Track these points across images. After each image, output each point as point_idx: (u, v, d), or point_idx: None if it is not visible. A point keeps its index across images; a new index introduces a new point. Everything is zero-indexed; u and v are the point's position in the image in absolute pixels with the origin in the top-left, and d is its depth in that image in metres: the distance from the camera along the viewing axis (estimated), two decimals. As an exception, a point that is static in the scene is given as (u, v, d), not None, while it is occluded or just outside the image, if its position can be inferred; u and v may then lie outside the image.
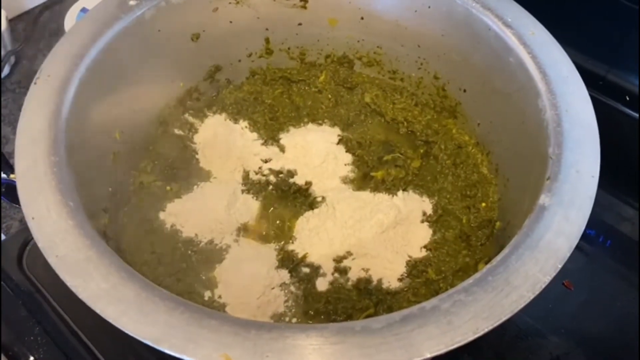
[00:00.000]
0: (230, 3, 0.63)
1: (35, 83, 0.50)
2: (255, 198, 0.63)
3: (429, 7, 0.62)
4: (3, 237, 0.66)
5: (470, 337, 0.37)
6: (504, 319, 0.38)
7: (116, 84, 0.57)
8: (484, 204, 0.61)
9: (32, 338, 0.59)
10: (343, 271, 0.57)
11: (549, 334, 0.60)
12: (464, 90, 0.65)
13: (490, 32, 0.57)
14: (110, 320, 0.37)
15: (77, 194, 0.45)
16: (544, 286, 0.39)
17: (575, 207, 0.43)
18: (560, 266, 0.40)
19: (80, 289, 0.38)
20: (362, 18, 0.67)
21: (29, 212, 0.42)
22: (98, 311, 0.38)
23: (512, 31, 0.56)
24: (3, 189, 0.65)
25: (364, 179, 0.64)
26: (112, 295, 0.38)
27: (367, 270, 0.56)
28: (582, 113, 0.49)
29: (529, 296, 0.39)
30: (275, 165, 0.65)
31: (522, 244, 0.42)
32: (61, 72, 0.51)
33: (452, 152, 0.65)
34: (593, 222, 0.44)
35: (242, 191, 0.63)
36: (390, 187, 0.63)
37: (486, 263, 0.55)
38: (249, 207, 0.62)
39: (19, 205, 0.68)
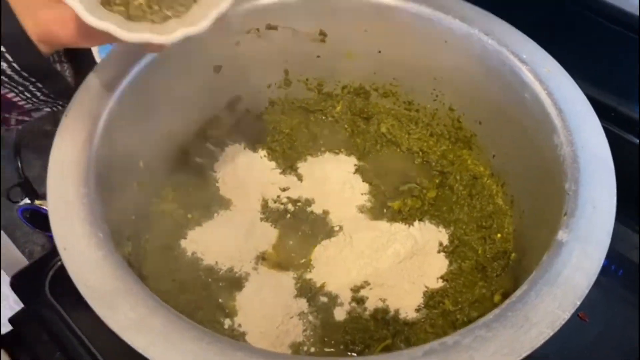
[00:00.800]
0: (252, 37, 0.65)
1: (66, 115, 0.51)
2: (273, 226, 0.64)
3: (445, 41, 0.63)
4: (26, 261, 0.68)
5: (491, 373, 0.37)
6: (524, 354, 0.38)
7: (141, 115, 0.58)
8: (499, 235, 0.61)
9: (52, 365, 0.60)
10: (360, 301, 0.58)
11: None
12: (480, 123, 0.66)
13: (505, 67, 0.59)
14: (139, 350, 0.38)
15: (105, 224, 0.46)
16: (563, 322, 0.40)
17: (593, 243, 0.44)
18: (579, 303, 0.41)
19: (109, 319, 0.39)
20: (379, 51, 0.69)
21: (61, 243, 0.43)
22: (127, 340, 0.39)
23: (528, 67, 0.57)
24: (27, 215, 0.67)
25: (381, 208, 0.65)
26: (140, 325, 0.39)
27: (384, 300, 0.57)
28: (597, 150, 0.50)
29: (549, 332, 0.39)
30: (294, 193, 0.67)
31: (540, 280, 0.42)
32: (91, 105, 0.52)
33: (467, 183, 0.66)
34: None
35: (261, 219, 0.64)
36: (406, 217, 0.64)
37: (502, 295, 0.57)
38: (268, 235, 0.63)
39: (42, 230, 0.70)
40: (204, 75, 0.65)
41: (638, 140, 0.76)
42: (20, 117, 0.51)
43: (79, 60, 0.53)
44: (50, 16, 0.44)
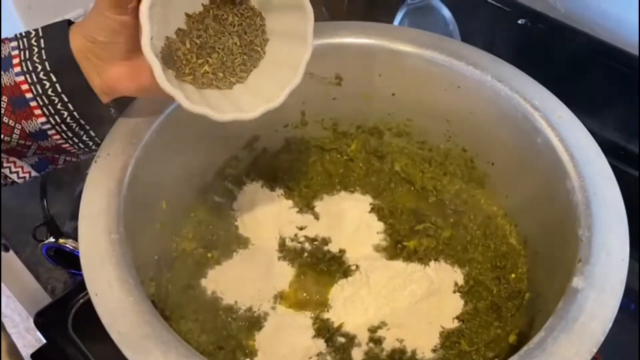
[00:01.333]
0: (271, 81, 0.68)
1: (95, 162, 0.53)
2: (291, 265, 0.65)
3: (458, 87, 0.65)
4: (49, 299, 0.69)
5: (512, 421, 0.38)
6: (543, 402, 0.39)
7: (165, 159, 0.60)
8: (513, 275, 0.63)
9: (74, 403, 0.61)
10: (378, 341, 0.59)
11: None
12: (492, 164, 0.68)
13: (518, 113, 0.61)
14: (171, 397, 0.39)
15: (134, 269, 0.48)
16: (580, 369, 0.41)
17: (608, 290, 0.45)
18: (595, 350, 0.42)
19: (141, 365, 0.41)
20: (393, 94, 0.71)
21: (93, 289, 0.45)
22: (158, 386, 0.40)
23: (539, 113, 0.59)
24: (52, 253, 0.69)
25: (396, 247, 0.67)
26: (171, 372, 0.41)
27: (401, 341, 0.58)
28: (609, 196, 0.52)
29: (567, 380, 0.40)
30: (310, 232, 0.68)
31: (557, 327, 0.44)
32: (119, 151, 0.54)
33: (481, 223, 0.67)
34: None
35: (279, 258, 0.66)
36: (422, 256, 0.65)
37: (517, 334, 0.58)
38: (285, 274, 0.65)
39: (64, 267, 0.72)
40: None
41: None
42: (68, 158, 0.53)
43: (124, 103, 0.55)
44: (116, 74, 0.47)
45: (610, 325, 0.44)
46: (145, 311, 0.44)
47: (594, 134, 0.57)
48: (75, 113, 0.47)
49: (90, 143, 0.51)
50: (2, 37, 0.47)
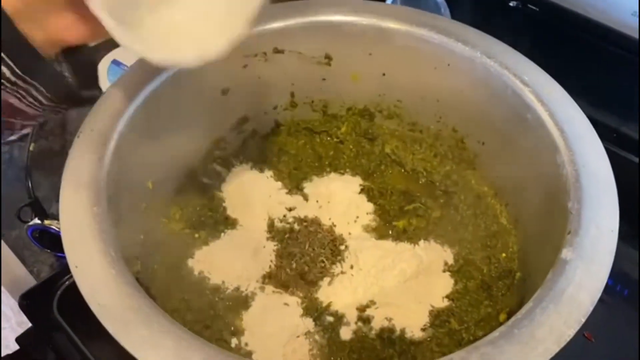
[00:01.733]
0: (259, 60, 0.67)
1: (78, 136, 0.53)
2: (279, 246, 0.64)
3: (448, 64, 0.65)
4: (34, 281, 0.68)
5: (498, 390, 0.38)
6: (530, 372, 0.39)
7: (151, 136, 0.60)
8: (504, 255, 0.62)
9: (59, 384, 0.60)
10: (366, 320, 0.58)
11: None
12: (483, 143, 0.67)
13: (508, 89, 0.60)
14: (151, 368, 0.39)
15: (117, 243, 0.47)
16: (568, 339, 0.40)
17: (597, 261, 0.45)
18: (583, 320, 0.41)
19: (122, 336, 0.40)
20: (383, 74, 0.70)
21: (73, 261, 0.44)
22: (139, 358, 0.39)
23: (530, 89, 0.58)
24: (37, 235, 0.68)
25: (386, 228, 0.66)
26: (152, 343, 0.40)
27: (390, 320, 0.58)
28: (599, 169, 0.51)
29: (554, 349, 0.40)
30: (299, 213, 0.67)
31: (545, 298, 0.43)
32: (102, 126, 0.54)
33: (471, 203, 0.67)
34: (610, 271, 0.45)
35: (267, 239, 0.65)
36: (412, 236, 0.64)
37: (507, 313, 0.57)
38: (274, 255, 0.64)
39: (51, 250, 0.71)
40: (211, 97, 0.66)
41: (639, 160, 0.77)
42: (25, 122, 0.51)
43: (77, 59, 0.52)
44: (61, 25, 0.45)
45: (599, 295, 0.43)
46: (127, 283, 0.43)
47: (589, 117, 0.56)
48: (16, 69, 0.44)
49: (42, 98, 0.48)
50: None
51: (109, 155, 0.52)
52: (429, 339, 0.56)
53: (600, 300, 0.59)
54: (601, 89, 0.81)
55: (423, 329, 0.57)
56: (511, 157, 0.63)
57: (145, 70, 0.60)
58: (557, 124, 0.55)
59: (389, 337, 0.56)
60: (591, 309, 0.42)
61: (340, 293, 0.60)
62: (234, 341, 0.56)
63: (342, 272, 0.62)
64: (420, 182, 0.71)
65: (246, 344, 0.56)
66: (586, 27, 0.80)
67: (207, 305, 0.58)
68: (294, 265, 0.62)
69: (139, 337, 0.40)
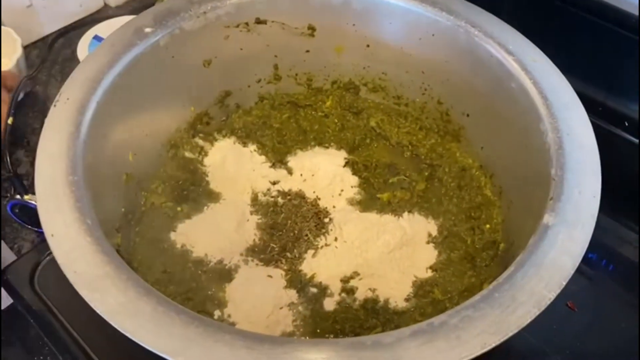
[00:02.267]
0: (241, 31, 0.66)
1: (55, 105, 0.51)
2: (263, 219, 0.64)
3: (433, 34, 0.64)
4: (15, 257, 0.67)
5: (478, 352, 0.38)
6: (510, 334, 0.39)
7: (131, 107, 0.59)
8: (488, 226, 0.62)
9: (41, 358, 0.59)
10: (350, 291, 0.58)
11: (553, 354, 0.60)
12: (467, 115, 0.67)
13: (492, 59, 0.59)
14: (128, 334, 0.38)
15: (94, 212, 0.46)
16: (549, 302, 0.40)
17: (579, 226, 0.45)
18: (564, 283, 0.41)
19: (98, 304, 0.39)
20: (367, 45, 0.69)
21: (49, 229, 0.43)
22: (116, 325, 0.38)
23: (514, 58, 0.58)
24: (17, 210, 0.66)
25: (370, 200, 0.66)
26: (129, 310, 0.39)
27: (374, 290, 0.57)
28: (582, 136, 0.51)
29: (535, 312, 0.40)
30: (283, 187, 0.67)
31: (527, 262, 0.43)
32: (79, 95, 0.52)
33: (456, 175, 0.66)
34: (594, 245, 0.45)
35: (251, 212, 0.64)
36: (396, 208, 0.64)
37: (491, 284, 0.57)
38: (258, 228, 0.63)
39: (31, 226, 0.70)
40: (193, 70, 0.65)
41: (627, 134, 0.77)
42: None
43: None
44: None
45: (580, 259, 0.43)
46: (104, 251, 0.43)
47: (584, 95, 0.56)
48: None
49: None
50: None
51: (86, 125, 0.51)
52: (412, 309, 0.56)
53: (585, 274, 0.60)
54: (587, 61, 0.80)
55: (406, 299, 0.57)
56: (496, 128, 0.62)
57: (124, 40, 0.58)
58: (541, 92, 0.55)
59: (373, 308, 0.56)
60: (572, 272, 0.42)
61: (324, 265, 0.60)
62: (216, 313, 0.55)
63: (326, 245, 0.61)
64: (405, 156, 0.70)
65: (229, 316, 0.55)
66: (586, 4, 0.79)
67: (189, 278, 0.58)
68: (277, 239, 0.62)
69: (116, 305, 0.39)
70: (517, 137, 0.58)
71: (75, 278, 0.41)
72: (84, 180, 0.48)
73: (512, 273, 0.42)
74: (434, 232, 0.62)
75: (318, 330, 0.55)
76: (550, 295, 0.40)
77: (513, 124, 0.59)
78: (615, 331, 0.63)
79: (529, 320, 0.39)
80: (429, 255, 0.61)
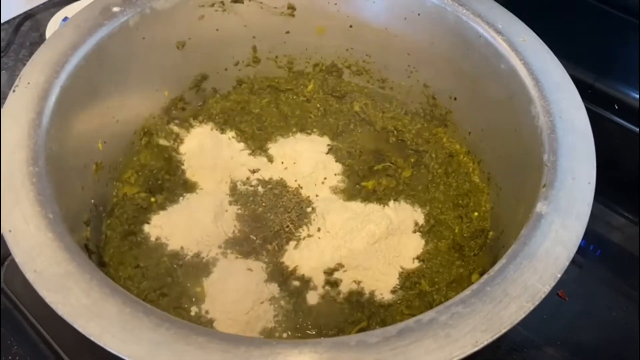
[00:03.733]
0: (216, 11, 0.62)
1: (14, 91, 0.48)
2: (243, 209, 0.61)
3: (419, 14, 0.61)
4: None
5: (470, 351, 0.35)
6: (503, 331, 0.36)
7: (99, 92, 0.55)
8: (476, 214, 0.60)
9: (9, 358, 0.56)
10: (334, 284, 0.55)
11: (544, 345, 0.59)
12: (455, 99, 0.64)
13: (480, 39, 0.57)
14: (92, 338, 0.35)
15: (57, 205, 0.43)
16: (543, 296, 0.38)
17: (573, 214, 0.42)
18: (559, 275, 0.39)
19: (59, 305, 0.36)
20: (350, 26, 0.66)
21: (6, 225, 0.40)
22: (79, 328, 0.36)
23: (503, 38, 0.55)
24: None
25: (355, 189, 0.63)
26: (93, 312, 0.36)
27: (358, 283, 0.55)
28: (575, 119, 0.48)
29: (529, 307, 0.37)
30: (264, 175, 0.64)
31: (519, 253, 0.40)
32: (41, 79, 0.49)
33: (443, 161, 0.64)
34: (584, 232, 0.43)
35: (230, 202, 0.61)
36: (381, 197, 0.61)
37: (480, 274, 0.55)
38: (237, 219, 0.60)
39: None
40: (166, 52, 0.62)
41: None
42: None
43: None
44: None
45: (575, 249, 0.41)
46: (67, 248, 0.40)
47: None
48: None
49: None
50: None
51: (49, 111, 0.48)
52: (399, 302, 0.54)
53: (574, 261, 0.58)
54: (577, 43, 0.78)
55: (393, 292, 0.55)
56: (484, 112, 0.60)
57: (90, 20, 0.55)
58: (532, 74, 0.52)
59: (358, 301, 0.54)
60: (567, 263, 0.40)
61: (307, 257, 0.57)
62: (193, 309, 0.53)
63: (308, 235, 0.58)
64: (390, 142, 0.67)
65: (207, 312, 0.52)
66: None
67: (164, 273, 0.55)
68: (258, 230, 0.59)
69: (79, 306, 0.36)
70: (507, 121, 0.56)
71: (35, 278, 0.38)
72: (46, 171, 0.44)
73: (504, 265, 0.40)
74: (421, 221, 0.60)
75: (300, 326, 0.52)
76: (545, 288, 0.38)
77: (502, 107, 0.56)
78: (607, 320, 0.61)
79: (522, 316, 0.37)
80: (416, 244, 0.58)
